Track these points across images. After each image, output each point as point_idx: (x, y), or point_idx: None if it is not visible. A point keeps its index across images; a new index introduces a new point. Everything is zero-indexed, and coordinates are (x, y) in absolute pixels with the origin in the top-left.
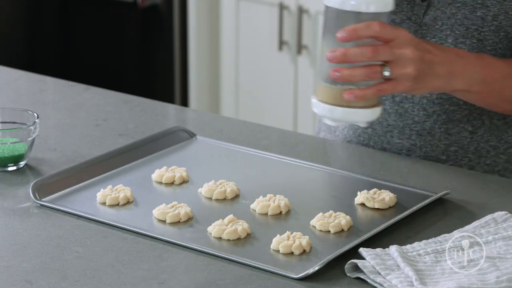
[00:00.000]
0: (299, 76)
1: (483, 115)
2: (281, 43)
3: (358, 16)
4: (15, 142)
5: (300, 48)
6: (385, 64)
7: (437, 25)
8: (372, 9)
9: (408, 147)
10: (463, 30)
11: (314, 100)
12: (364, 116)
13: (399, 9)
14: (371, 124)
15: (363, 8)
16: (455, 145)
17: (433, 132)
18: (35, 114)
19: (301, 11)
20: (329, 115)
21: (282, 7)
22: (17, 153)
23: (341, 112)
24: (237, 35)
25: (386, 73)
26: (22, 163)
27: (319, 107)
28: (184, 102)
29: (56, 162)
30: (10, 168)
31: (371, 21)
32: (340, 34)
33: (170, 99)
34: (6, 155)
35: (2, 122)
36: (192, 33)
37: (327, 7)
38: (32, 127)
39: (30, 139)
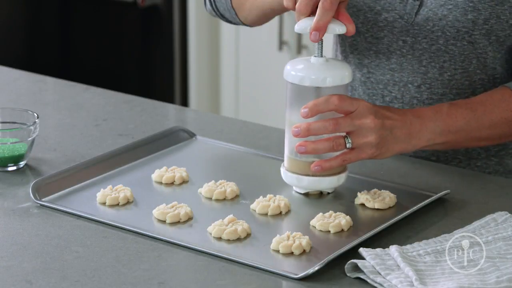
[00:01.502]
0: None
1: None
2: (281, 43)
3: (317, 90)
4: (15, 142)
5: (300, 48)
6: (347, 135)
7: (429, 26)
8: (330, 83)
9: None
10: (454, 32)
11: (282, 169)
12: (329, 183)
13: (391, 8)
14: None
15: (320, 83)
16: None
17: None
18: (35, 114)
19: None
20: (296, 184)
21: None
22: (17, 153)
23: (307, 181)
24: (237, 35)
25: (349, 145)
26: (22, 163)
27: (287, 176)
28: (184, 102)
29: (56, 162)
30: (10, 168)
31: (330, 95)
32: (302, 111)
33: (170, 99)
34: (6, 155)
35: (2, 122)
36: (192, 33)
37: (288, 83)
38: (32, 127)
39: (30, 139)
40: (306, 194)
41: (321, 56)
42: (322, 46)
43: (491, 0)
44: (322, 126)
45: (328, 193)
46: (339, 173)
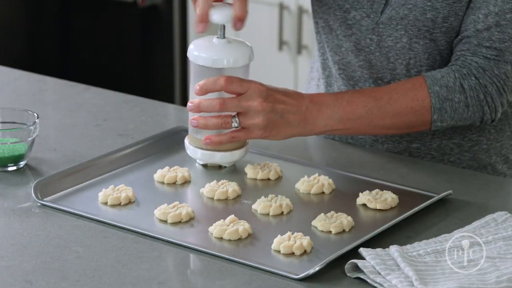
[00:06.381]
0: (299, 76)
1: None
2: (281, 43)
3: (212, 70)
4: (15, 142)
5: (300, 48)
6: (235, 115)
7: (393, 24)
8: (222, 64)
9: (370, 143)
10: (416, 31)
11: (185, 141)
12: (222, 158)
13: (359, 6)
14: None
15: (213, 64)
16: (417, 142)
17: None
18: (35, 114)
19: (301, 11)
20: (193, 155)
21: (282, 7)
22: (17, 153)
23: (200, 154)
24: (237, 35)
25: (235, 124)
26: (22, 163)
27: (188, 148)
28: (184, 102)
29: (56, 162)
30: (10, 168)
31: (220, 76)
32: (195, 88)
33: (170, 99)
34: (6, 155)
35: (2, 122)
36: (192, 33)
37: (189, 61)
38: (32, 127)
39: (30, 139)
40: (205, 166)
41: (223, 37)
42: (224, 28)
43: None
44: (210, 104)
45: (225, 167)
46: (234, 149)
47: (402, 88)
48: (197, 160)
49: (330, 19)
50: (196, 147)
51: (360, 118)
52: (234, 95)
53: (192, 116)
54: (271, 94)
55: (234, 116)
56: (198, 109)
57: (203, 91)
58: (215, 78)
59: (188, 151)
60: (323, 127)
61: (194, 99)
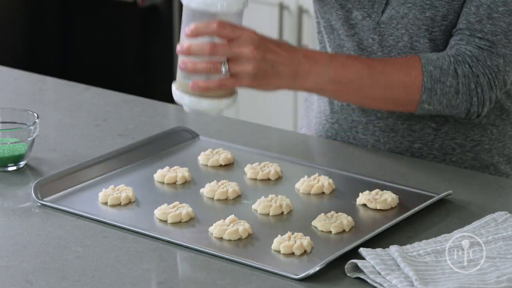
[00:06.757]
0: None
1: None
2: None
3: (205, 14)
4: (15, 142)
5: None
6: (225, 61)
7: (393, 24)
8: (213, 9)
9: (372, 143)
10: (415, 30)
11: (173, 86)
12: (209, 105)
13: (360, 6)
14: (221, 113)
15: (203, 8)
16: (419, 142)
17: (396, 128)
18: (35, 114)
19: (301, 11)
20: (179, 101)
21: (282, 7)
22: (17, 153)
23: (188, 100)
24: None
25: (223, 69)
26: (22, 163)
27: (175, 94)
28: None
29: (56, 162)
30: (10, 168)
31: (213, 21)
32: (185, 30)
33: (170, 99)
34: (6, 155)
35: (2, 122)
36: None
37: (182, 5)
38: (32, 127)
39: (30, 139)
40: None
41: None
42: None
43: None
44: (200, 48)
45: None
46: (221, 97)
47: (396, 62)
48: (184, 107)
49: (332, 18)
50: (183, 92)
51: (350, 83)
52: (225, 41)
53: (181, 60)
54: (263, 43)
55: (224, 62)
56: (188, 51)
57: (194, 34)
58: (208, 22)
59: (174, 97)
60: (313, 84)
61: (184, 43)
